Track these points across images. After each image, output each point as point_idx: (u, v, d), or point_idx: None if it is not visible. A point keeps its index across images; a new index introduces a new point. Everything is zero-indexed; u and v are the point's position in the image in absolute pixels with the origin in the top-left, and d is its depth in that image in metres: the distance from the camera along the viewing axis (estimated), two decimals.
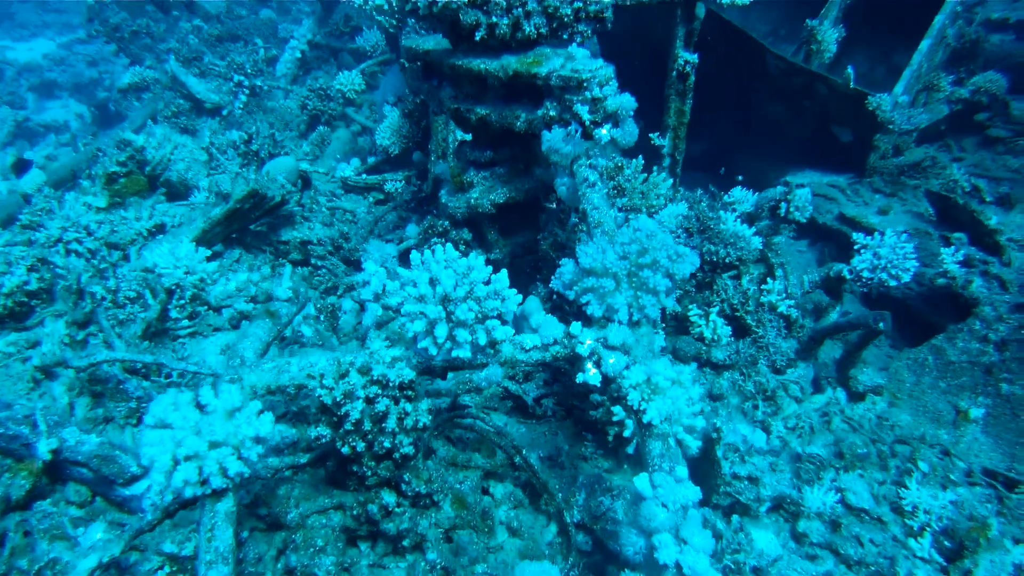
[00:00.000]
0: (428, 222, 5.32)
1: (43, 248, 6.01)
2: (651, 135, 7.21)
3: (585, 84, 4.32)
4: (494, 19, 4.68)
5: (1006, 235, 7.12)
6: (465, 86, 5.02)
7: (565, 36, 4.82)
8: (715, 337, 5.83)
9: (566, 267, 3.87)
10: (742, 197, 6.82)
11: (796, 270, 6.48)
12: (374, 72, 10.27)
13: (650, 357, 3.74)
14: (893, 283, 6.01)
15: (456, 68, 4.93)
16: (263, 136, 7.05)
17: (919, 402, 5.81)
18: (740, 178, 6.75)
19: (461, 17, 4.73)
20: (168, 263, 5.45)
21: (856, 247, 6.24)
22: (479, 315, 3.56)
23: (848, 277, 6.16)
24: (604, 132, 4.41)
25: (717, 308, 5.90)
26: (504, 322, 3.65)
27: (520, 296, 3.65)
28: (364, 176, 7.71)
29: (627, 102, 4.43)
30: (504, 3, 4.68)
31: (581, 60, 4.46)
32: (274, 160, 6.75)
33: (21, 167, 7.95)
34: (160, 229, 6.43)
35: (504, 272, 3.64)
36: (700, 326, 5.85)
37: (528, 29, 4.70)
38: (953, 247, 6.49)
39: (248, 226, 6.08)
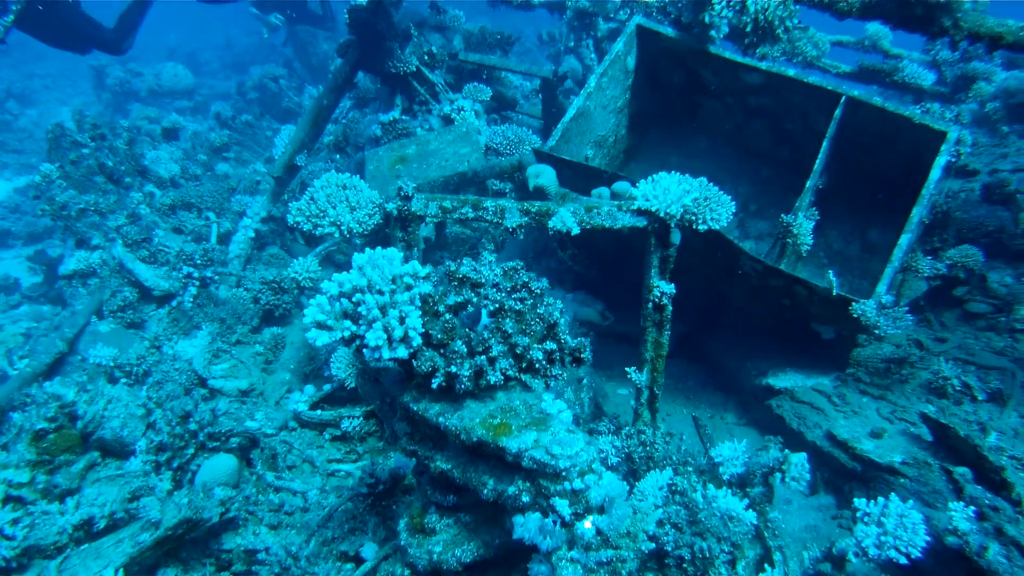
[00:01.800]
0: (386, 571, 4.39)
1: None
2: (627, 369, 6.39)
3: (563, 474, 3.46)
4: (454, 368, 3.81)
5: (1007, 453, 6.43)
6: (423, 427, 4.14)
7: (538, 380, 3.97)
8: None
9: None
10: (732, 455, 5.98)
11: (795, 554, 5.63)
12: (331, 252, 9.44)
13: None
14: (904, 561, 5.18)
15: (410, 411, 4.06)
16: (201, 410, 6.07)
17: None
18: (729, 445, 5.92)
19: (415, 364, 3.87)
20: None
21: (858, 514, 5.42)
22: None
23: (854, 561, 5.31)
24: (588, 526, 3.55)
25: None
26: None
27: None
28: (319, 412, 6.80)
29: (614, 488, 3.58)
30: (465, 349, 3.83)
31: (558, 431, 3.58)
32: (211, 461, 5.77)
33: None
34: (88, 524, 5.42)
35: None
36: None
37: (493, 378, 3.83)
38: (963, 503, 5.68)
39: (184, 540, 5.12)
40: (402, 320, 3.69)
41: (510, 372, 3.88)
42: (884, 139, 7.95)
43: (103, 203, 10.16)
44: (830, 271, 6.92)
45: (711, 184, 6.22)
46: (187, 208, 10.53)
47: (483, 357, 3.79)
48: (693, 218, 6.12)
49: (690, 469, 5.71)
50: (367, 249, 3.94)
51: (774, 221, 8.62)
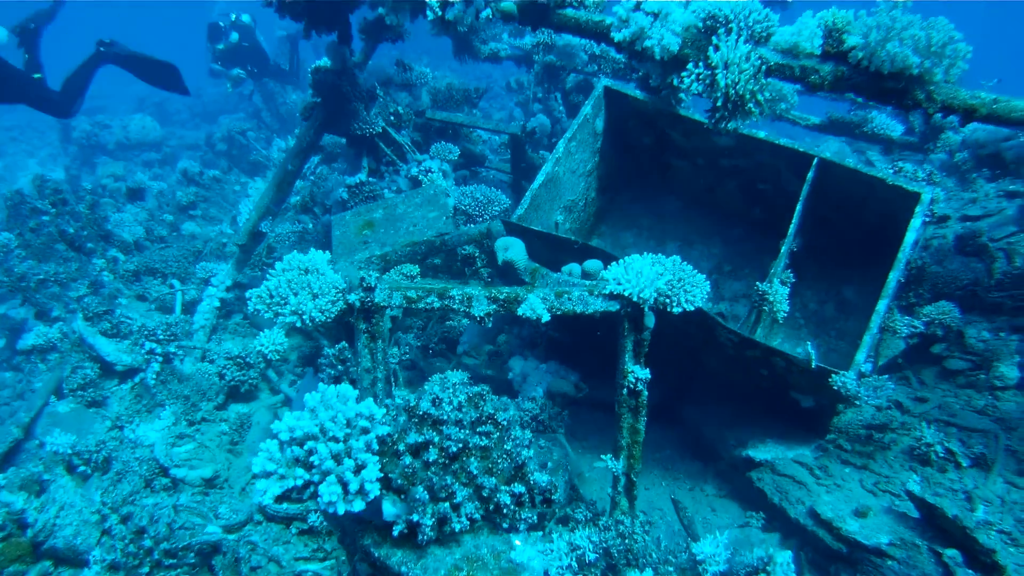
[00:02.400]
0: None
1: None
2: (603, 457, 6.06)
3: None
4: (415, 516, 3.47)
5: (996, 527, 6.16)
6: (385, 573, 3.79)
7: (505, 524, 3.63)
8: None
9: None
10: (714, 551, 5.66)
11: None
12: None
13: None
14: None
15: (371, 555, 3.70)
16: (159, 518, 5.67)
17: None
18: (711, 541, 5.61)
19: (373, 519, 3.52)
20: None
21: None
22: None
23: None
24: None
25: None
26: None
27: None
28: (286, 506, 6.39)
29: None
30: (427, 496, 3.48)
31: None
32: None
33: None
34: None
35: None
36: None
37: (458, 525, 3.49)
38: None
39: None
40: (358, 471, 3.35)
41: (476, 515, 3.54)
42: (857, 199, 7.75)
43: (64, 272, 9.75)
44: (808, 342, 6.65)
45: (685, 263, 5.93)
46: (151, 274, 10.11)
47: (446, 504, 3.45)
48: (667, 301, 5.81)
49: (671, 568, 5.39)
50: (320, 385, 3.61)
51: (748, 281, 8.39)
